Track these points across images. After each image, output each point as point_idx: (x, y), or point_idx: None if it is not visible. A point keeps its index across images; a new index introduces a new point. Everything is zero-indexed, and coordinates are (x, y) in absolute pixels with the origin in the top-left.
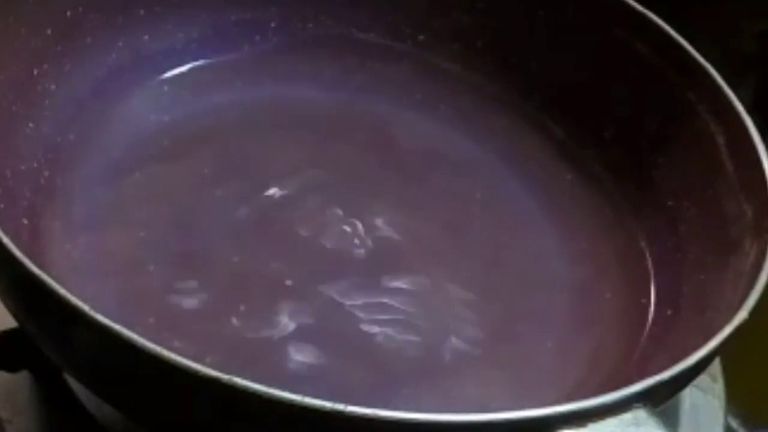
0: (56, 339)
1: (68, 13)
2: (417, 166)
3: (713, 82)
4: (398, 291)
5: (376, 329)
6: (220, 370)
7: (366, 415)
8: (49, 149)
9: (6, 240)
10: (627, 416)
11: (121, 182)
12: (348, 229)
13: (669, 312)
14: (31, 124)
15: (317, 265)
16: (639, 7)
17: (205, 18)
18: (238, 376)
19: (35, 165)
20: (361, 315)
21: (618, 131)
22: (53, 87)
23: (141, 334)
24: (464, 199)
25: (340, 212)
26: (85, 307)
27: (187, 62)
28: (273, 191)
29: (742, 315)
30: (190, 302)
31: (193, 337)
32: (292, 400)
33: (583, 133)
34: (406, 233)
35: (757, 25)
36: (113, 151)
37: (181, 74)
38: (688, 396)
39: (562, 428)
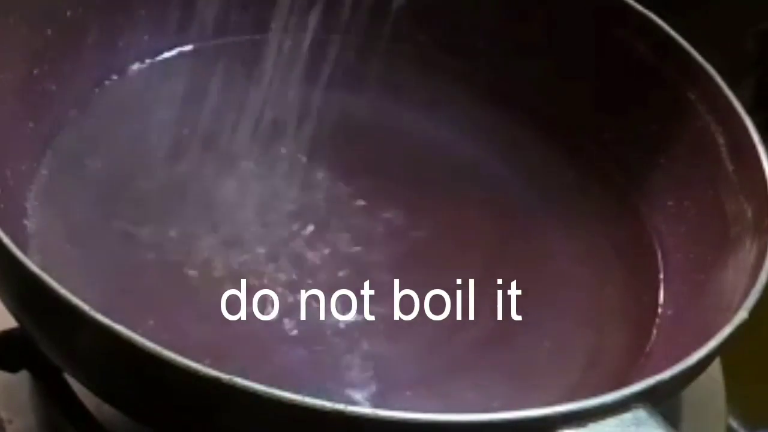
0: (56, 339)
1: (68, 13)
2: (417, 165)
3: (713, 82)
4: (397, 291)
5: (375, 330)
6: (220, 370)
7: (366, 415)
8: (49, 149)
9: (6, 240)
10: (627, 416)
11: (121, 182)
12: (348, 228)
13: (669, 312)
14: (31, 124)
15: (318, 266)
16: (639, 7)
17: (205, 18)
18: (238, 376)
19: (35, 165)
20: (360, 315)
21: (618, 131)
22: (53, 87)
23: (141, 335)
24: (464, 198)
25: (342, 212)
26: (85, 307)
27: (187, 62)
28: (274, 192)
29: (742, 315)
30: (190, 303)
31: (193, 338)
32: (292, 400)
33: (583, 132)
34: (405, 233)
35: (757, 25)
36: (113, 150)
37: (182, 74)
38: (688, 396)
39: (562, 428)
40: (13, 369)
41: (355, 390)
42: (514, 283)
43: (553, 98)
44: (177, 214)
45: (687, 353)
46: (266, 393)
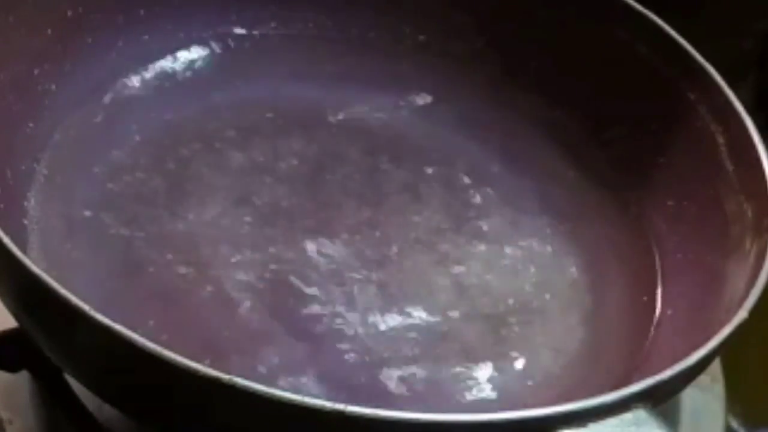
0: (56, 339)
1: (68, 13)
2: (417, 164)
3: (713, 82)
4: (397, 290)
5: (375, 328)
6: (220, 370)
7: (366, 415)
8: (49, 149)
9: (6, 240)
10: (627, 416)
11: (121, 182)
12: (349, 228)
13: (669, 312)
14: (31, 124)
15: (318, 266)
16: (639, 7)
17: (205, 18)
18: (238, 376)
19: (35, 165)
20: (361, 314)
21: (618, 131)
22: (53, 87)
23: (141, 335)
24: (464, 197)
25: (341, 212)
26: (85, 307)
27: (187, 61)
28: (274, 191)
29: (742, 315)
30: (190, 303)
31: (194, 338)
32: (292, 400)
33: (583, 133)
34: (404, 232)
35: (757, 25)
36: (114, 150)
37: (182, 73)
38: (688, 396)
39: (562, 428)
40: (13, 369)
41: (354, 389)
42: (513, 283)
43: (553, 98)
44: (177, 214)
45: (687, 353)
46: (266, 393)
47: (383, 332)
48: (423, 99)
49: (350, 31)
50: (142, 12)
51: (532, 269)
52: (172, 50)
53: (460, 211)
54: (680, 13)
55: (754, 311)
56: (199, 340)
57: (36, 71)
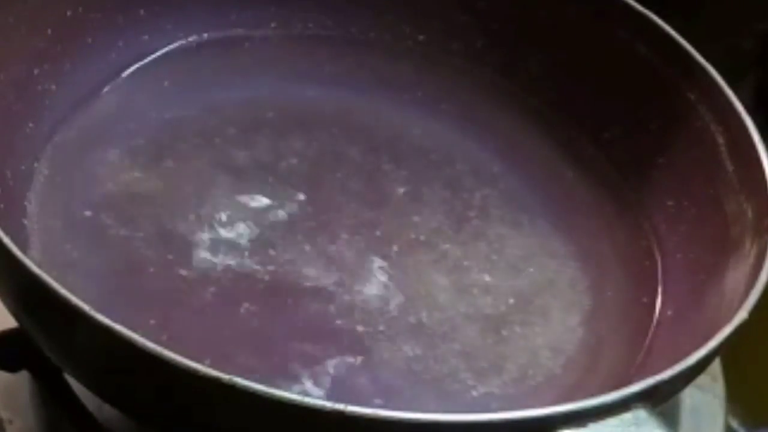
0: (56, 339)
1: (68, 13)
2: (417, 164)
3: (713, 82)
4: (397, 290)
5: (376, 329)
6: (220, 370)
7: (366, 415)
8: (49, 149)
9: (6, 240)
10: (627, 416)
11: (121, 181)
12: (349, 228)
13: (669, 312)
14: (31, 124)
15: (318, 266)
16: (640, 8)
17: (205, 18)
18: (239, 376)
19: (35, 165)
20: (361, 315)
21: (618, 131)
22: (53, 87)
23: (141, 335)
24: (464, 197)
25: (341, 212)
26: (85, 307)
27: (187, 61)
28: (274, 190)
29: (742, 315)
30: (189, 303)
31: (194, 338)
32: (292, 400)
33: (583, 132)
34: (405, 232)
35: (757, 25)
36: (114, 150)
37: (182, 73)
38: (688, 396)
39: (562, 428)
40: (13, 369)
41: (354, 389)
42: (512, 283)
43: (553, 98)
44: (177, 214)
45: (687, 353)
46: (266, 393)
47: (383, 332)
48: (423, 99)
49: (350, 31)
50: (142, 12)
51: (532, 269)
52: (173, 50)
53: (460, 210)
54: (680, 13)
55: (754, 311)
56: (199, 340)
57: (36, 71)
